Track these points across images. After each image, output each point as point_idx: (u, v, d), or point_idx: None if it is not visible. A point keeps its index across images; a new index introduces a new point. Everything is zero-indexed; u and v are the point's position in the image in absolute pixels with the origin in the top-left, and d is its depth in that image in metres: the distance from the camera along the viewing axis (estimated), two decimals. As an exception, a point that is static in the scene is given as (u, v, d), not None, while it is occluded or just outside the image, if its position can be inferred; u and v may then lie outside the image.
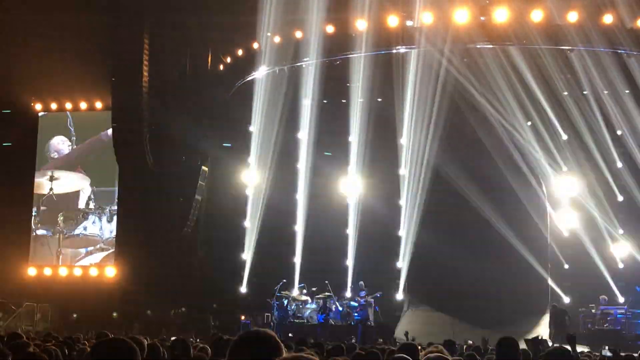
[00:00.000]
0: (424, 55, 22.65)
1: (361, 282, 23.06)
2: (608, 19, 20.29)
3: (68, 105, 26.16)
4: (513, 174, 23.40)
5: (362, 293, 22.89)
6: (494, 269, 22.75)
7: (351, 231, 24.61)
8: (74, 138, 26.03)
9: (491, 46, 21.64)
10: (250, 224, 24.54)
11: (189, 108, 24.04)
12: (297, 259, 24.50)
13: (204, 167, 24.71)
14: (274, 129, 24.34)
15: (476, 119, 23.41)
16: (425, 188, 24.08)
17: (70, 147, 26.00)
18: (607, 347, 15.21)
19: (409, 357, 4.66)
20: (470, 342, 16.46)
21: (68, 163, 25.90)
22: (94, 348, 3.98)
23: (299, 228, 24.87)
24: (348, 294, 23.55)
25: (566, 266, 23.48)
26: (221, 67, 24.59)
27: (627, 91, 22.33)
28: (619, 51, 21.14)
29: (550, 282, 23.26)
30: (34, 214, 25.82)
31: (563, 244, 23.52)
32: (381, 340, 18.96)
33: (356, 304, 22.75)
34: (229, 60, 24.33)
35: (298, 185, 24.94)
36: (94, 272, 24.61)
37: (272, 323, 22.17)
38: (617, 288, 22.51)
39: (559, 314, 21.29)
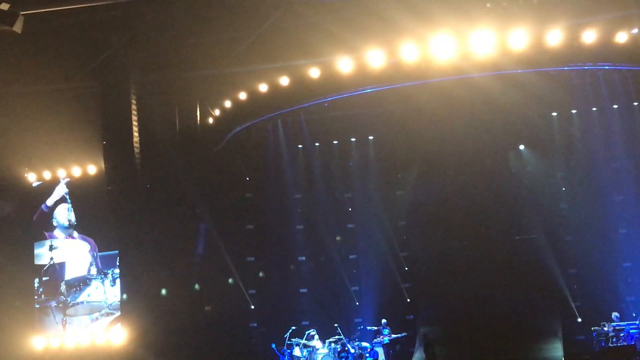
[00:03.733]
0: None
1: (384, 320, 23.08)
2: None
3: (61, 173, 26.11)
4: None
5: (386, 332, 22.89)
6: (505, 293, 22.77)
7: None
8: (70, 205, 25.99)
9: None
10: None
11: (182, 164, 24.04)
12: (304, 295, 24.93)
13: (202, 224, 24.72)
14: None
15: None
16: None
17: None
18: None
19: None
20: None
21: (65, 231, 25.80)
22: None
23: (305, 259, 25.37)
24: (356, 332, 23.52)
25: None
26: (211, 120, 24.67)
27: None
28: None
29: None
30: (36, 285, 25.63)
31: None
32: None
33: (368, 345, 22.71)
34: (218, 113, 24.43)
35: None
36: (101, 339, 24.35)
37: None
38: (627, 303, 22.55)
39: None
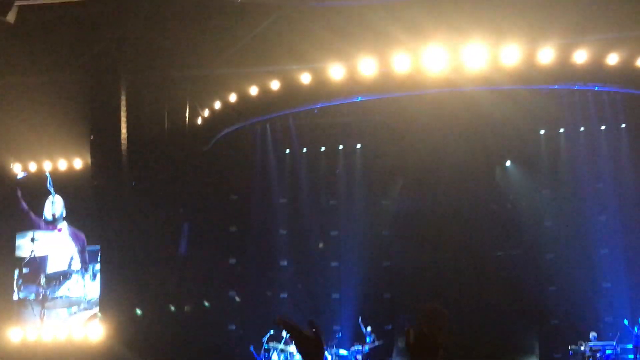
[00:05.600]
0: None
1: (369, 328, 23.11)
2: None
3: (47, 166, 26.00)
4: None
5: (370, 339, 22.92)
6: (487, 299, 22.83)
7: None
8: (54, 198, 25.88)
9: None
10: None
11: (169, 163, 24.00)
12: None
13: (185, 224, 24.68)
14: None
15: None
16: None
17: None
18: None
19: None
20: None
21: (49, 224, 25.70)
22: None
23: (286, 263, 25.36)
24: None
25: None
26: (199, 121, 24.64)
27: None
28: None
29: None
30: (15, 277, 25.51)
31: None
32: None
33: (346, 353, 22.72)
34: (207, 113, 24.40)
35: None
36: (79, 334, 24.27)
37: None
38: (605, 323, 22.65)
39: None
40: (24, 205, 25.81)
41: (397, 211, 25.42)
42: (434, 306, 3.19)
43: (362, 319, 23.23)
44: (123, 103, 23.80)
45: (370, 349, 22.91)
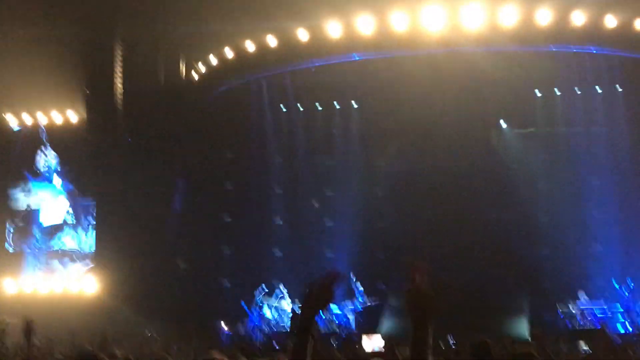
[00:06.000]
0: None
1: (360, 285, 23.21)
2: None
3: (43, 119, 25.97)
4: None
5: (362, 298, 23.02)
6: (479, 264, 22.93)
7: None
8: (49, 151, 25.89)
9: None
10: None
11: (164, 119, 23.98)
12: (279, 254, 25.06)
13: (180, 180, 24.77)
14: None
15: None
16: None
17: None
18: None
19: None
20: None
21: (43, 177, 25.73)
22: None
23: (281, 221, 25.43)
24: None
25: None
26: (196, 76, 24.58)
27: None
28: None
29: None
30: (8, 229, 25.58)
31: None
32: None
33: (340, 312, 22.87)
34: (203, 69, 24.33)
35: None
36: (74, 288, 24.42)
37: (254, 331, 22.30)
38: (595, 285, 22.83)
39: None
40: (19, 157, 25.83)
41: (393, 172, 25.42)
42: (422, 262, 3.23)
43: (355, 277, 23.32)
44: (118, 58, 23.77)
45: (362, 308, 23.04)
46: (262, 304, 22.97)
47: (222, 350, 7.23)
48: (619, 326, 21.36)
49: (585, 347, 14.36)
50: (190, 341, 20.34)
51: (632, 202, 23.39)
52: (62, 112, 25.80)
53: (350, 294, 23.37)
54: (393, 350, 7.10)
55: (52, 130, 25.86)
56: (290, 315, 22.67)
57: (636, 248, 22.98)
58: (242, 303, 23.02)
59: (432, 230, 24.21)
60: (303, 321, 3.32)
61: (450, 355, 10.53)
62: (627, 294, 21.67)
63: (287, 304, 23.19)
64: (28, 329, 6.25)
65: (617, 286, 21.82)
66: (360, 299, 23.12)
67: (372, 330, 21.98)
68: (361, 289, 23.23)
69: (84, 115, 24.70)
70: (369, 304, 23.20)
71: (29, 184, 25.64)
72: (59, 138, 25.65)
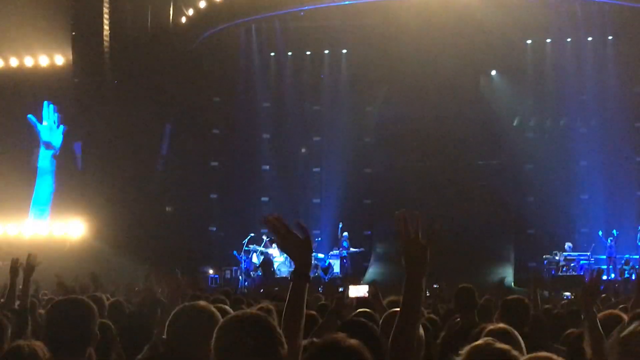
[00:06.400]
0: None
1: (345, 233, 23.29)
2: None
3: (29, 61, 25.61)
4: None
5: (346, 244, 23.15)
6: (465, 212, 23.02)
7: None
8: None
9: None
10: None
11: (151, 62, 23.70)
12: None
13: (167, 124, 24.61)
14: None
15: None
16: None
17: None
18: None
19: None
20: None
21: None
22: (50, 309, 3.96)
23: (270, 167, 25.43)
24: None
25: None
26: (183, 20, 24.25)
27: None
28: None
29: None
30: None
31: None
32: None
33: (324, 256, 23.01)
34: (191, 12, 23.99)
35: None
36: (59, 231, 24.39)
37: (240, 277, 22.41)
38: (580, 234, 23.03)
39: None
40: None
41: (381, 118, 25.38)
42: (414, 212, 3.21)
43: (342, 225, 23.42)
44: (106, 1, 23.41)
45: (348, 254, 23.20)
46: (250, 250, 23.03)
47: (207, 296, 7.22)
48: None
49: (567, 293, 14.50)
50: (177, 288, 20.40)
51: (619, 150, 23.46)
52: (50, 56, 25.43)
53: (336, 240, 23.49)
54: (378, 295, 7.09)
55: (37, 72, 25.49)
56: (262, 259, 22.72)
57: (622, 197, 23.14)
58: (234, 253, 23.03)
59: (420, 177, 24.29)
60: (299, 267, 3.35)
61: (436, 301, 10.59)
62: (610, 242, 21.85)
63: (273, 249, 23.27)
64: (29, 267, 6.21)
65: (601, 236, 21.98)
66: (345, 245, 23.25)
67: (357, 276, 22.13)
68: (345, 235, 23.32)
69: (70, 57, 24.38)
70: (355, 250, 23.38)
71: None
72: (44, 81, 25.29)
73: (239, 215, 24.75)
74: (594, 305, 4.51)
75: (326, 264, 22.81)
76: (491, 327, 4.08)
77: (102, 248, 22.85)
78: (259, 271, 22.78)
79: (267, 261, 22.52)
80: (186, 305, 3.72)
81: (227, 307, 4.64)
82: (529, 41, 24.00)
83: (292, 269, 3.39)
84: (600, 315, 4.66)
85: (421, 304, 3.29)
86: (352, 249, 23.31)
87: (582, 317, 4.51)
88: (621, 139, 23.44)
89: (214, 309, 3.67)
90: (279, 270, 22.79)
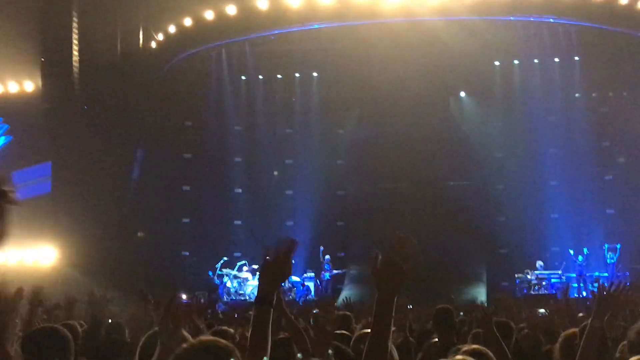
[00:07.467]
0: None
1: (327, 257, 23.33)
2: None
3: (-1, 88, 25.46)
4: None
5: (327, 267, 23.19)
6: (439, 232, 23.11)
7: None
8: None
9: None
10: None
11: (121, 87, 23.64)
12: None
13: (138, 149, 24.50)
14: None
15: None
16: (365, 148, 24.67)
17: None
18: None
19: None
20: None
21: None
22: (24, 340, 3.93)
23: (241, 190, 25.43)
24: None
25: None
26: (153, 45, 24.25)
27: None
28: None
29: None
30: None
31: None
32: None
33: (299, 279, 23.02)
34: (161, 37, 24.01)
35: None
36: (29, 259, 24.10)
37: (214, 300, 22.31)
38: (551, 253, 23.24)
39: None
40: None
41: (352, 140, 25.50)
42: (404, 235, 3.20)
43: (323, 249, 23.49)
44: (75, 25, 23.33)
45: (330, 276, 23.30)
46: (223, 273, 22.97)
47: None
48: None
49: (542, 310, 14.63)
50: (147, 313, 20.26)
51: (587, 169, 23.77)
52: (19, 82, 25.28)
53: (311, 263, 23.51)
54: (350, 321, 7.09)
55: (7, 99, 25.31)
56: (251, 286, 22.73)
57: (591, 215, 23.41)
58: (210, 273, 23.00)
59: (392, 199, 24.40)
60: (262, 292, 3.28)
61: (411, 323, 10.59)
62: (580, 260, 22.08)
63: (247, 273, 23.22)
64: (35, 298, 6.04)
65: (572, 254, 22.21)
66: (327, 267, 23.29)
67: (332, 298, 22.12)
68: (327, 258, 23.38)
69: (39, 83, 24.26)
70: (338, 271, 23.47)
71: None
72: (13, 107, 25.11)
73: (211, 239, 24.69)
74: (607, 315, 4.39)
75: (303, 289, 22.83)
76: (466, 347, 4.11)
77: (74, 275, 22.64)
78: (232, 296, 22.71)
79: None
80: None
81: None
82: (497, 63, 24.33)
83: (256, 295, 3.30)
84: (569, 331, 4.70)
85: (391, 323, 3.26)
86: (334, 271, 23.44)
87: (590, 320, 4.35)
88: (589, 158, 23.76)
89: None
90: (252, 293, 22.71)
